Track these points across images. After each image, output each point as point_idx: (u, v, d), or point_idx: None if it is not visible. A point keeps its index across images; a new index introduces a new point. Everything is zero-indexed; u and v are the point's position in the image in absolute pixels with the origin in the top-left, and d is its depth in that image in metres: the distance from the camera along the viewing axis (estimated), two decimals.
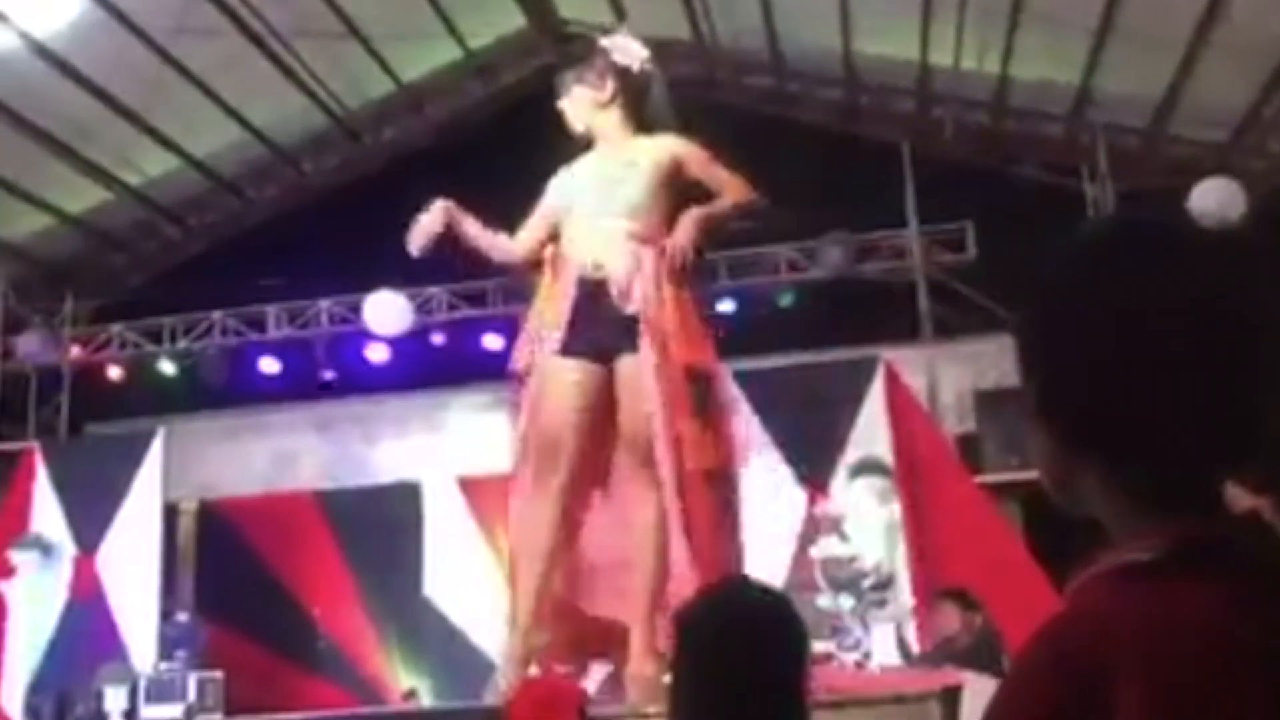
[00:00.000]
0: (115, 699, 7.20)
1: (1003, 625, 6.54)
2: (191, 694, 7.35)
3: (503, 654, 4.67)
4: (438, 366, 11.14)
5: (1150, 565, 0.96)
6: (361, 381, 11.42)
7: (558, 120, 4.80)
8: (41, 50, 9.53)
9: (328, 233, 10.80)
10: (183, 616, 9.61)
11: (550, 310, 4.63)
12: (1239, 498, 1.04)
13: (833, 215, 10.50)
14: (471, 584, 9.75)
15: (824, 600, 5.95)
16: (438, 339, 11.31)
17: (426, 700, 9.81)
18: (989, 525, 8.52)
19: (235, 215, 12.22)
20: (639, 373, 4.43)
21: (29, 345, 11.64)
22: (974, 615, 6.78)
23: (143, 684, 7.46)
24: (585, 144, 4.79)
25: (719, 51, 11.13)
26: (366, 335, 11.06)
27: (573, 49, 5.34)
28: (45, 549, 9.65)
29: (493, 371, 5.19)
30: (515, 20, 11.36)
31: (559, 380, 4.53)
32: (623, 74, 4.73)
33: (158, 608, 9.52)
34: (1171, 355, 0.98)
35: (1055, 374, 1.04)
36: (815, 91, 11.33)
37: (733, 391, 4.99)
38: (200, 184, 11.85)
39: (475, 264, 5.03)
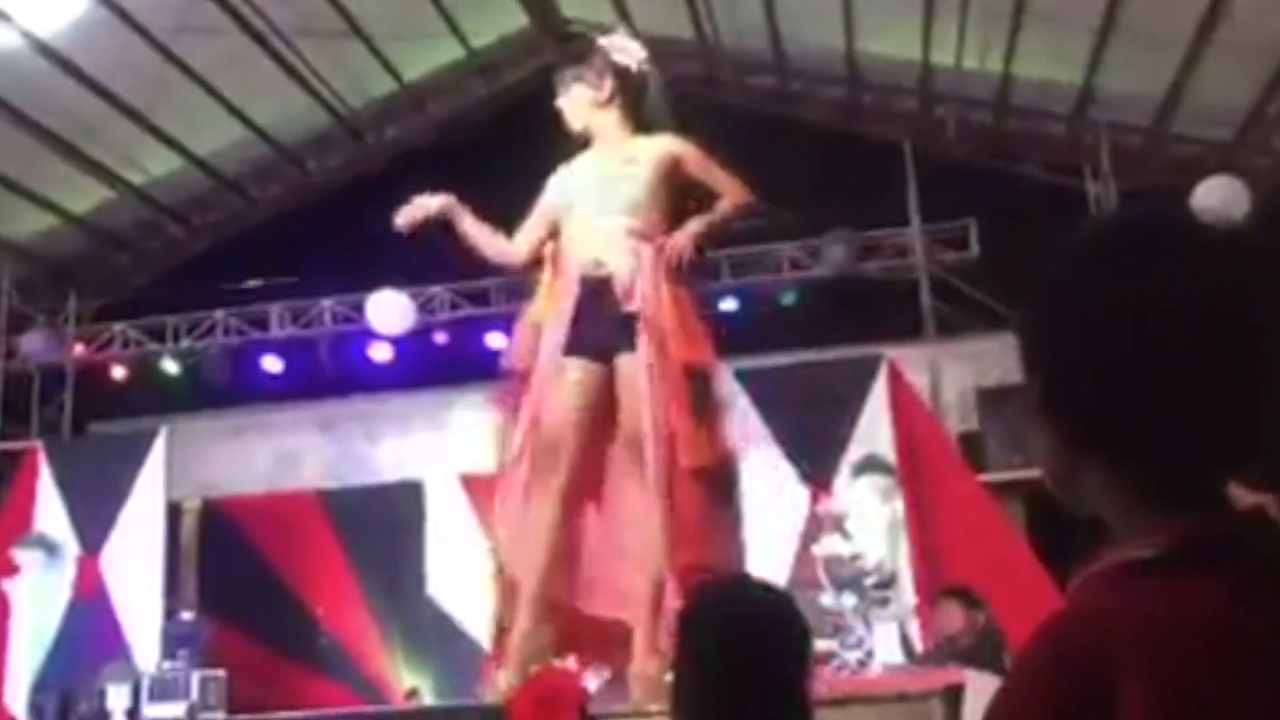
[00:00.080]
0: (118, 698, 7.18)
1: (1005, 624, 6.53)
2: (194, 693, 7.33)
3: (490, 651, 4.67)
4: (440, 365, 11.12)
5: (1153, 562, 0.96)
6: (364, 380, 11.42)
7: (560, 120, 4.80)
8: (44, 49, 9.53)
9: (330, 232, 10.79)
10: (186, 615, 9.59)
11: (551, 308, 4.64)
12: (1242, 497, 1.04)
13: (835, 214, 10.51)
14: (474, 583, 9.72)
15: (826, 598, 5.94)
16: (440, 338, 11.31)
17: (429, 699, 9.80)
18: (992, 524, 8.52)
19: (238, 214, 12.23)
20: (638, 371, 4.43)
21: (32, 344, 11.65)
22: (977, 614, 6.77)
23: (146, 683, 7.44)
24: (583, 142, 4.80)
25: (722, 51, 11.13)
26: (369, 334, 11.07)
27: (572, 48, 5.34)
28: (49, 548, 9.66)
29: (496, 370, 5.19)
30: (518, 19, 11.36)
31: (560, 379, 4.53)
32: (621, 73, 4.74)
33: (161, 607, 9.53)
34: (1175, 354, 0.98)
35: (1058, 372, 1.04)
36: (818, 90, 11.33)
37: (731, 389, 4.99)
38: (203, 183, 11.86)
39: (473, 258, 5.03)
